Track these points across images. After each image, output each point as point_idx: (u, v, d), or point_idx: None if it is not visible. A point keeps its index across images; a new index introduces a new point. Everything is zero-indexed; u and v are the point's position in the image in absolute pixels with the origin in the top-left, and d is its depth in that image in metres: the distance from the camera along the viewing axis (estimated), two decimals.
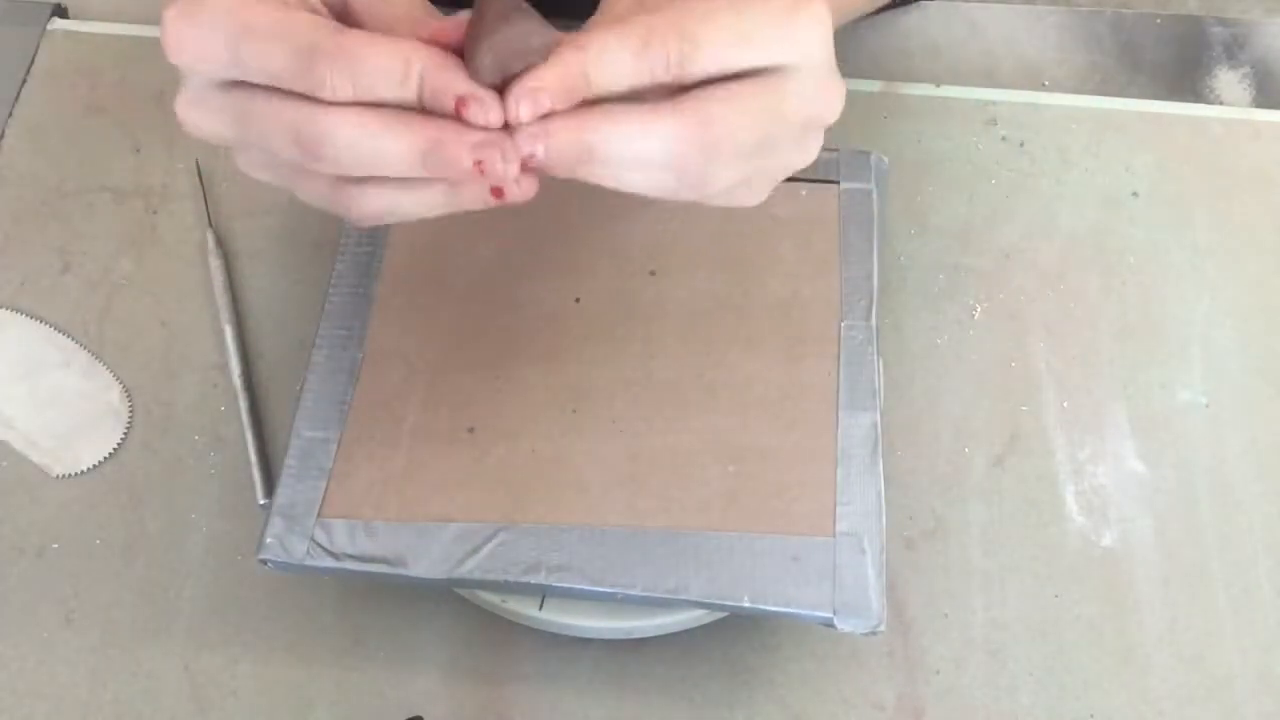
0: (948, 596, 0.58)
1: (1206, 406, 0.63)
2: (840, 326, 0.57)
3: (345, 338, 0.57)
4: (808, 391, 0.56)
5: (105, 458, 0.61)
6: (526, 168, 0.38)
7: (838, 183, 0.62)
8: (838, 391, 0.56)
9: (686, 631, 0.55)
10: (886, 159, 0.63)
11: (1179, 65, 0.75)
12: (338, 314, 0.58)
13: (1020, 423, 0.63)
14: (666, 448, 0.54)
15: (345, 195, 0.39)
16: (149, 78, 0.72)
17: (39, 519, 0.59)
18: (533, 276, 0.59)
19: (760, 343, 0.57)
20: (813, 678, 0.56)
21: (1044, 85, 0.74)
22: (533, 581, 0.51)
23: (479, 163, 0.37)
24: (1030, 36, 0.76)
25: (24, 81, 0.72)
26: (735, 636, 0.57)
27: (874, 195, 0.61)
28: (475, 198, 0.39)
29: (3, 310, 0.64)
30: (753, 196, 0.43)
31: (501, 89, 0.38)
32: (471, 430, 0.55)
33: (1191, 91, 0.74)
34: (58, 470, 0.60)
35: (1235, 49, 0.75)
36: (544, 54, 0.38)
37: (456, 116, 0.37)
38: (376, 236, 0.60)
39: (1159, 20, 0.76)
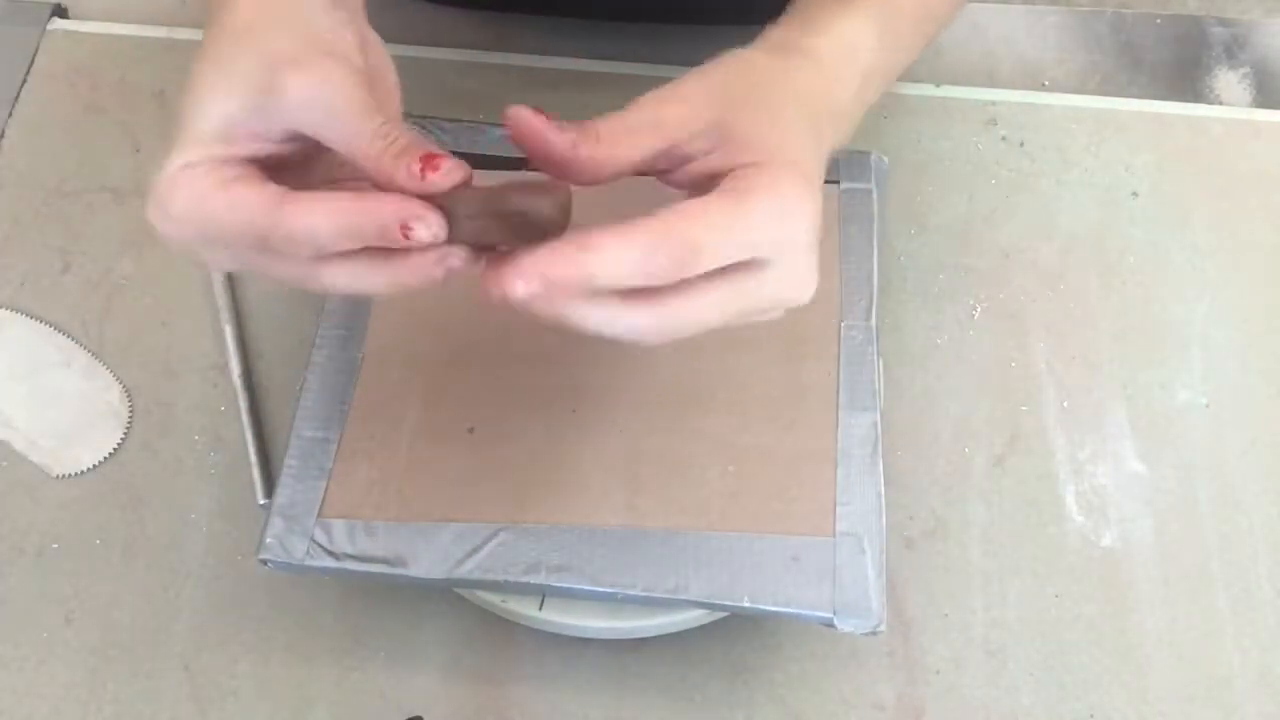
0: (948, 596, 0.58)
1: (1206, 406, 0.63)
2: (840, 326, 0.57)
3: (345, 338, 0.57)
4: (808, 391, 0.56)
5: (105, 458, 0.61)
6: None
7: (838, 183, 0.62)
8: (838, 391, 0.56)
9: (686, 631, 0.55)
10: (887, 159, 0.63)
11: (1179, 65, 0.75)
12: (338, 314, 0.58)
13: (1020, 423, 0.63)
14: (666, 448, 0.54)
15: (314, 273, 0.42)
16: (149, 78, 0.72)
17: (39, 519, 0.59)
18: None
19: (760, 343, 0.57)
20: (813, 678, 0.56)
21: (1044, 85, 0.74)
22: (533, 581, 0.51)
23: (405, 227, 0.40)
24: (1030, 36, 0.76)
25: (24, 81, 0.72)
26: (735, 636, 0.57)
27: (874, 195, 0.61)
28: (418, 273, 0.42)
29: (3, 310, 0.64)
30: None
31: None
32: (471, 430, 0.55)
33: (1191, 91, 0.74)
34: (58, 470, 0.60)
35: (1235, 49, 0.75)
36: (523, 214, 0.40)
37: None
38: None
39: (1159, 20, 0.76)
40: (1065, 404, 0.63)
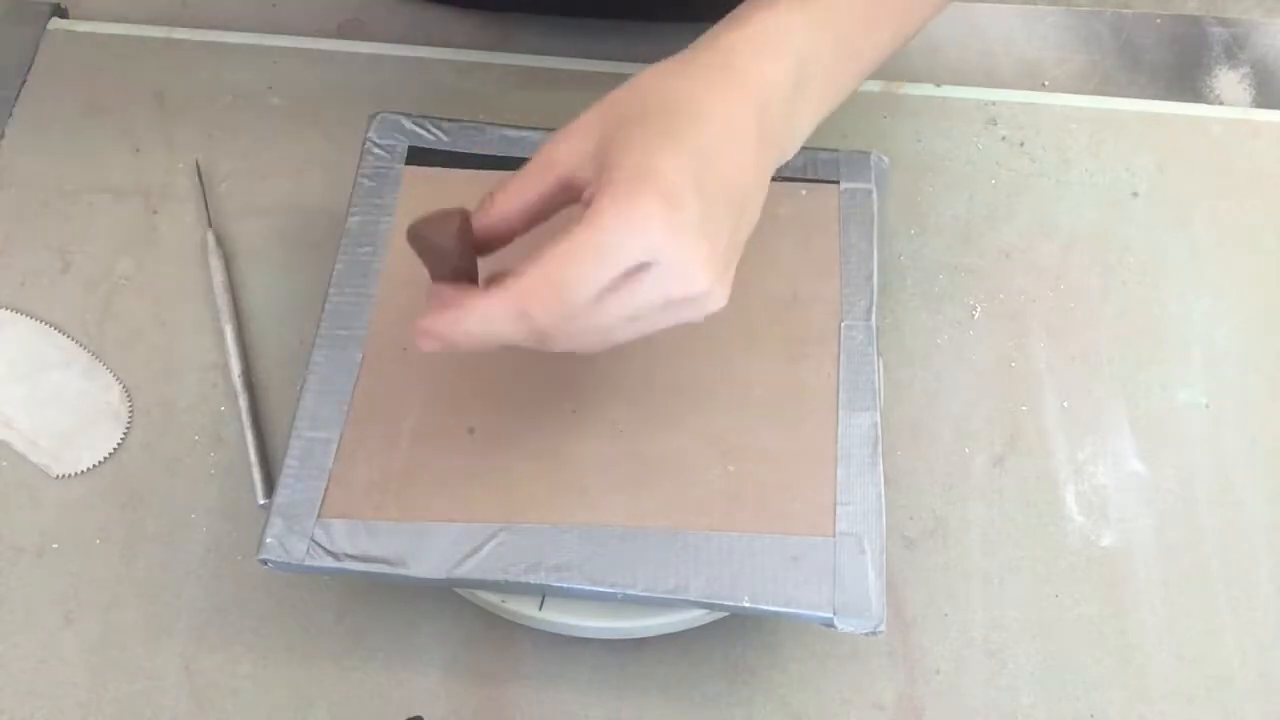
0: (948, 596, 0.58)
1: (1206, 406, 0.63)
2: (840, 327, 0.57)
3: (345, 338, 0.57)
4: (808, 392, 0.56)
5: (105, 458, 0.61)
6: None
7: (838, 183, 0.62)
8: (838, 392, 0.56)
9: (686, 631, 0.55)
10: (887, 159, 0.63)
11: (1179, 65, 0.75)
12: (338, 314, 0.58)
13: (1020, 423, 0.63)
14: (667, 448, 0.54)
15: None
16: (149, 78, 0.72)
17: (39, 519, 0.59)
18: None
19: (760, 343, 0.57)
20: (813, 678, 0.56)
21: (1044, 85, 0.74)
22: (532, 581, 0.51)
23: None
24: (1030, 36, 0.76)
25: (24, 81, 0.72)
26: (735, 636, 0.57)
27: (874, 195, 0.61)
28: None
29: (3, 310, 0.64)
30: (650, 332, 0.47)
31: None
32: (471, 430, 0.55)
33: (1191, 91, 0.74)
34: (58, 470, 0.60)
35: (1235, 49, 0.75)
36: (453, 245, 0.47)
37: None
38: (377, 237, 0.60)
39: (1159, 20, 0.76)
40: (1065, 404, 0.63)
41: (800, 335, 0.57)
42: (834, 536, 0.52)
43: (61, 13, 0.75)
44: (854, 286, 0.59)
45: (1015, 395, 0.63)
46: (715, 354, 0.57)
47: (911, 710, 0.56)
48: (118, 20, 0.74)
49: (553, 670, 0.56)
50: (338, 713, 0.55)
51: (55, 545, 0.59)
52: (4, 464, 0.61)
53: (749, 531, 0.52)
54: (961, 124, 0.71)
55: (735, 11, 0.50)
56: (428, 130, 0.62)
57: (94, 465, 0.60)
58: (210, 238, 0.66)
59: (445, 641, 0.57)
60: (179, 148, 0.70)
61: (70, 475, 0.60)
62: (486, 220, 0.47)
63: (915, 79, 0.73)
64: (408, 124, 0.62)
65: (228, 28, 0.74)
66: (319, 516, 0.53)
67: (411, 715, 0.54)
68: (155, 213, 0.68)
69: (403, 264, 0.60)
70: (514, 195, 0.47)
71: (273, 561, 0.52)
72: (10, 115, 0.71)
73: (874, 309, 0.58)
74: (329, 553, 0.52)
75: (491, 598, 0.54)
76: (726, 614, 0.54)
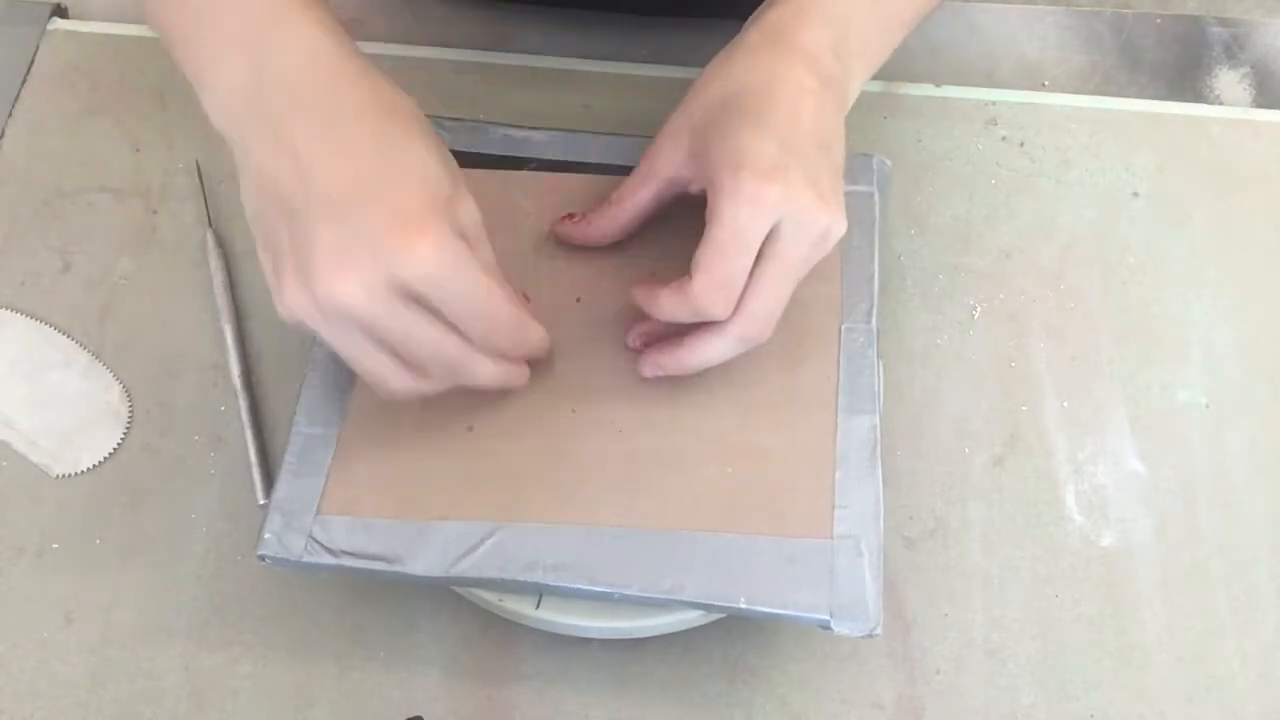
0: (948, 596, 0.58)
1: (1206, 406, 0.63)
2: (841, 329, 0.57)
3: None
4: (807, 394, 0.56)
5: (105, 458, 0.61)
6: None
7: None
8: (837, 394, 0.56)
9: (686, 631, 0.55)
10: (889, 162, 0.63)
11: (1179, 65, 0.75)
12: None
13: (1020, 423, 0.62)
14: (665, 448, 0.54)
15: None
16: (149, 78, 0.72)
17: (39, 519, 0.59)
18: (534, 276, 0.59)
19: (760, 345, 0.57)
20: (813, 678, 0.56)
21: (1044, 85, 0.74)
22: (529, 580, 0.51)
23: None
24: (1030, 36, 0.76)
25: (24, 81, 0.72)
26: (735, 636, 0.57)
27: (876, 198, 0.61)
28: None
29: (3, 310, 0.64)
30: None
31: None
32: (471, 429, 0.55)
33: (1191, 91, 0.74)
34: (58, 470, 0.60)
35: (1235, 49, 0.75)
36: None
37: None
38: None
39: (1159, 20, 0.76)
40: (1065, 404, 0.63)
41: (800, 337, 0.57)
42: (832, 539, 0.52)
43: (61, 13, 0.75)
44: (855, 289, 0.59)
45: (1015, 395, 0.63)
46: None
47: (911, 710, 0.56)
48: (118, 20, 0.74)
49: (553, 670, 0.56)
50: (338, 713, 0.55)
51: (55, 545, 0.59)
52: (4, 464, 0.61)
53: (747, 533, 0.52)
54: (961, 124, 0.71)
55: None
56: None
57: (94, 465, 0.60)
58: (210, 238, 0.66)
59: (445, 641, 0.57)
60: (179, 148, 0.70)
61: (70, 475, 0.60)
62: (609, 225, 0.57)
63: (915, 79, 0.73)
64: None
65: None
66: (317, 513, 0.53)
67: (411, 715, 0.54)
68: (155, 213, 0.68)
69: None
70: (627, 199, 0.56)
71: (271, 557, 0.52)
72: (10, 115, 0.71)
73: (874, 312, 0.58)
74: (327, 549, 0.52)
75: (490, 597, 0.54)
76: (723, 615, 0.54)
